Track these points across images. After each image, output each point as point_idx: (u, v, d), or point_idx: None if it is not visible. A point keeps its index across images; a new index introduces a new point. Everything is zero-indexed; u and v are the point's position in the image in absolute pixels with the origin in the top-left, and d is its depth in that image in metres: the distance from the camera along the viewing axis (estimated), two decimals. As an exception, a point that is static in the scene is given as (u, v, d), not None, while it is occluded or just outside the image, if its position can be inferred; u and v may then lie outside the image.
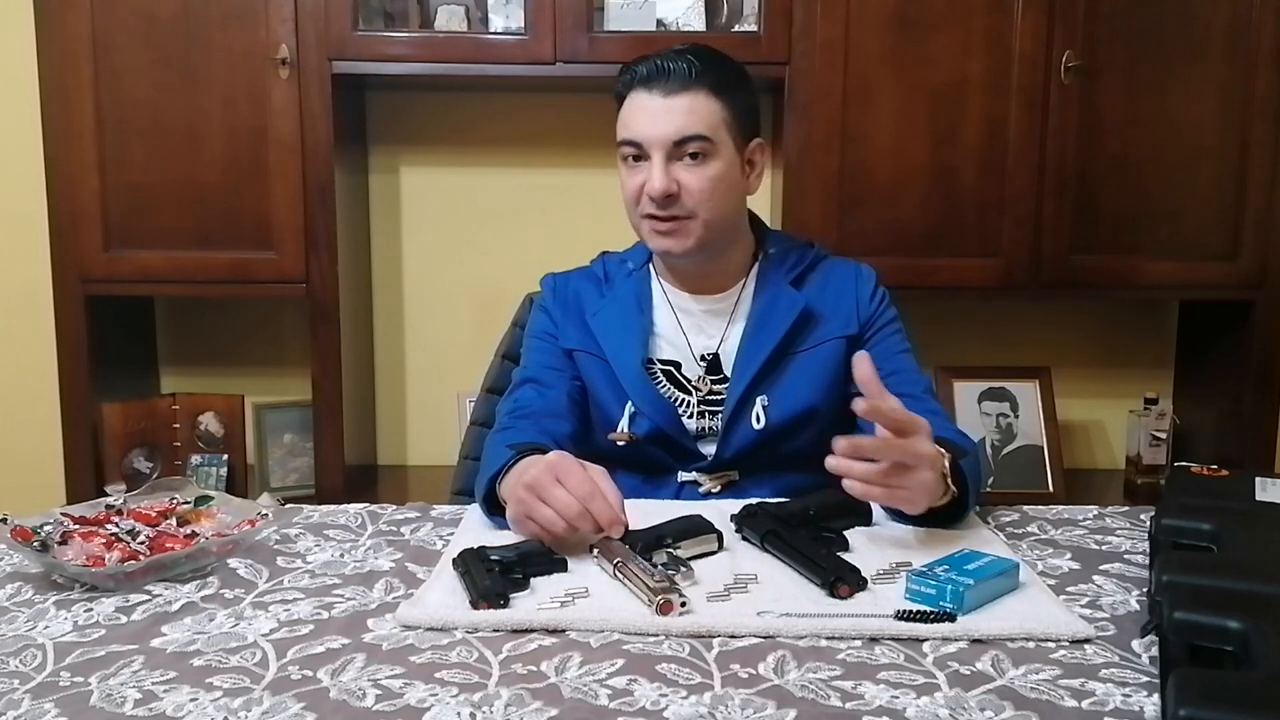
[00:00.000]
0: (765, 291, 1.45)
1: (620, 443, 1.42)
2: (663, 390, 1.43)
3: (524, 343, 1.55)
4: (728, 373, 1.44)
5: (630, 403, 1.42)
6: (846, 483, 1.09)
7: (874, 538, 1.16)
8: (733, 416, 1.40)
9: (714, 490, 1.40)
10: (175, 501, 1.21)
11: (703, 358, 1.45)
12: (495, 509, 1.23)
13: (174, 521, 1.15)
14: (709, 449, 1.42)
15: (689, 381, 1.45)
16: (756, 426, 1.40)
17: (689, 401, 1.43)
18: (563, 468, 1.12)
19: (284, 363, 2.49)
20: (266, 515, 1.18)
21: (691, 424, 1.43)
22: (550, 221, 2.48)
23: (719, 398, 1.43)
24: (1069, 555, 1.15)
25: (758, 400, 1.41)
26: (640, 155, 1.38)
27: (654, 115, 1.36)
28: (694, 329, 1.47)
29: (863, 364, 1.12)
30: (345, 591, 1.04)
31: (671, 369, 1.45)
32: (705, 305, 1.47)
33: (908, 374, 1.43)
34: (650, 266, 1.52)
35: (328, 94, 2.13)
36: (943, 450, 1.15)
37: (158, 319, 2.52)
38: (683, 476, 1.42)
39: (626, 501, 1.16)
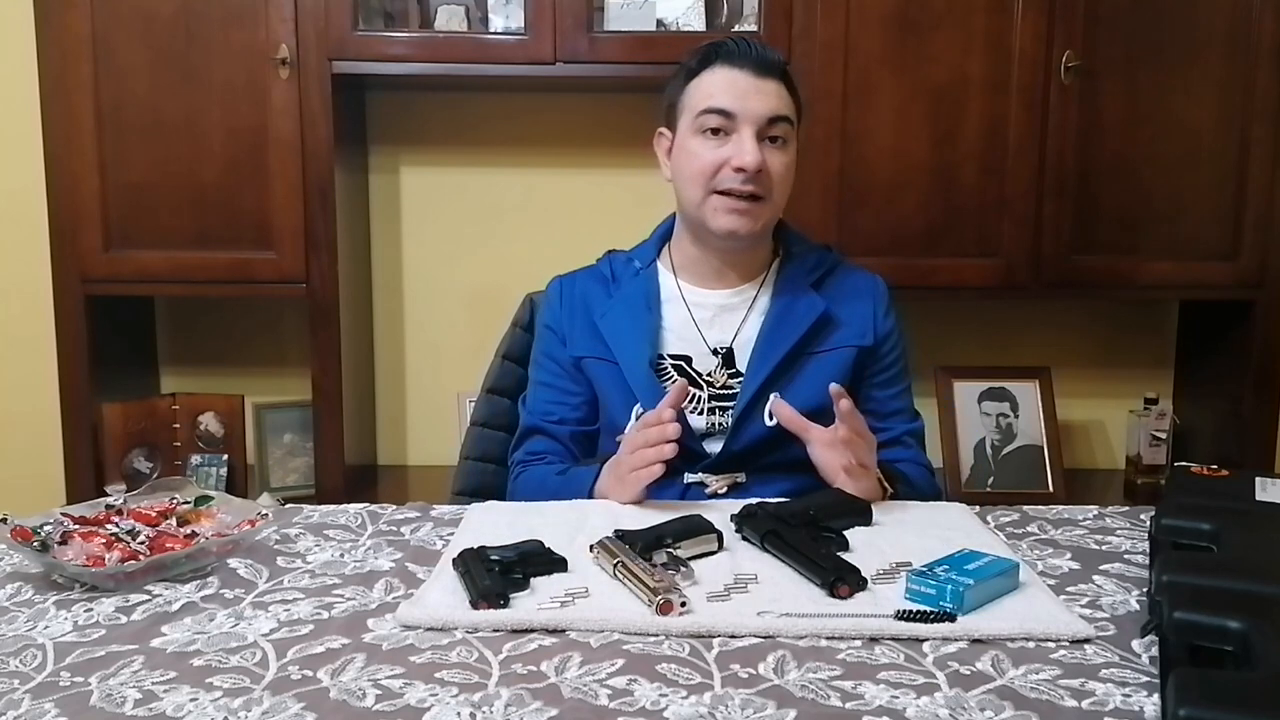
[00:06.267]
0: (786, 290, 1.47)
1: None
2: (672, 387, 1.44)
3: (533, 360, 1.56)
4: (741, 367, 1.44)
5: (639, 404, 1.42)
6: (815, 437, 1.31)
7: (874, 538, 1.16)
8: (745, 411, 1.41)
9: (720, 492, 1.40)
10: (175, 501, 1.20)
11: (715, 351, 1.46)
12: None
13: (174, 521, 1.15)
14: (715, 447, 1.42)
15: (700, 376, 1.45)
16: (769, 423, 1.40)
17: (699, 397, 1.44)
18: (629, 440, 1.31)
19: (284, 363, 2.49)
20: (266, 515, 1.18)
21: (700, 421, 1.43)
22: (550, 221, 2.48)
23: (731, 393, 1.43)
24: (1069, 555, 1.15)
25: (771, 397, 1.41)
26: (722, 129, 1.39)
27: (746, 90, 1.38)
28: (707, 323, 1.47)
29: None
30: (345, 591, 1.04)
31: (682, 363, 1.46)
32: (721, 300, 1.48)
33: (900, 415, 1.52)
34: (659, 264, 1.53)
35: (328, 94, 2.13)
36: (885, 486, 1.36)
37: (158, 319, 2.51)
38: (689, 478, 1.42)
39: (629, 503, 1.22)
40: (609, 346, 1.46)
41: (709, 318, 1.48)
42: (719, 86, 1.40)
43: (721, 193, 1.39)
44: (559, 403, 1.50)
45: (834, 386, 1.28)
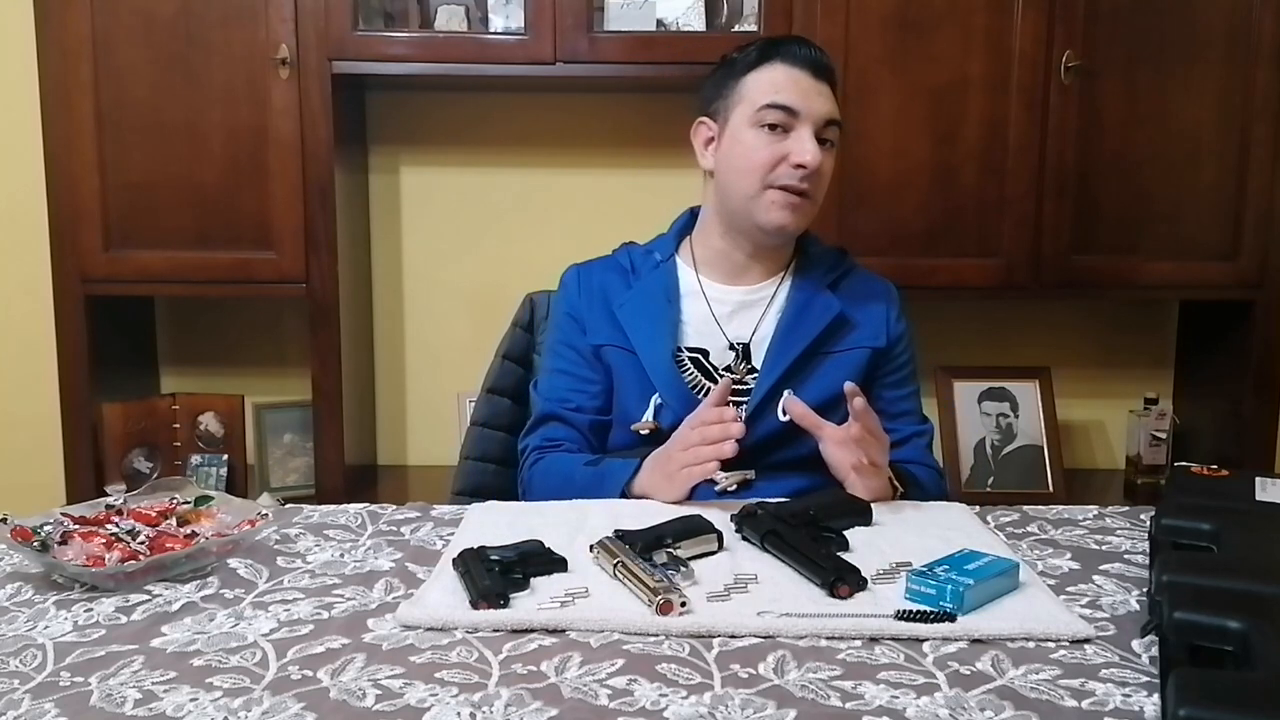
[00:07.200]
0: (803, 289, 1.49)
1: (644, 432, 1.42)
2: (690, 378, 1.44)
3: (549, 347, 1.56)
4: (757, 363, 1.45)
5: (657, 394, 1.43)
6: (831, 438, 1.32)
7: (874, 538, 1.16)
8: (759, 406, 1.42)
9: (730, 488, 1.40)
10: (175, 501, 1.20)
11: (733, 346, 1.47)
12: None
13: (174, 521, 1.15)
14: None
15: (716, 370, 1.46)
16: (782, 419, 1.41)
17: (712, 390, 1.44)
18: (682, 436, 1.29)
19: (284, 363, 2.49)
20: (266, 515, 1.18)
21: None
22: (550, 221, 2.48)
23: (746, 388, 1.44)
24: (1069, 555, 1.15)
25: (785, 393, 1.42)
26: (781, 125, 1.40)
27: (808, 90, 1.41)
28: (726, 318, 1.49)
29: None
30: (345, 591, 1.04)
31: (699, 356, 1.47)
32: (740, 295, 1.49)
33: (910, 417, 1.53)
34: (678, 258, 1.53)
35: (328, 94, 2.13)
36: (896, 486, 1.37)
37: (158, 319, 2.51)
38: None
39: (633, 501, 1.21)
40: (627, 336, 1.47)
41: (728, 313, 1.49)
42: (782, 83, 1.41)
43: (777, 188, 1.41)
44: (577, 390, 1.50)
45: (849, 385, 1.29)
